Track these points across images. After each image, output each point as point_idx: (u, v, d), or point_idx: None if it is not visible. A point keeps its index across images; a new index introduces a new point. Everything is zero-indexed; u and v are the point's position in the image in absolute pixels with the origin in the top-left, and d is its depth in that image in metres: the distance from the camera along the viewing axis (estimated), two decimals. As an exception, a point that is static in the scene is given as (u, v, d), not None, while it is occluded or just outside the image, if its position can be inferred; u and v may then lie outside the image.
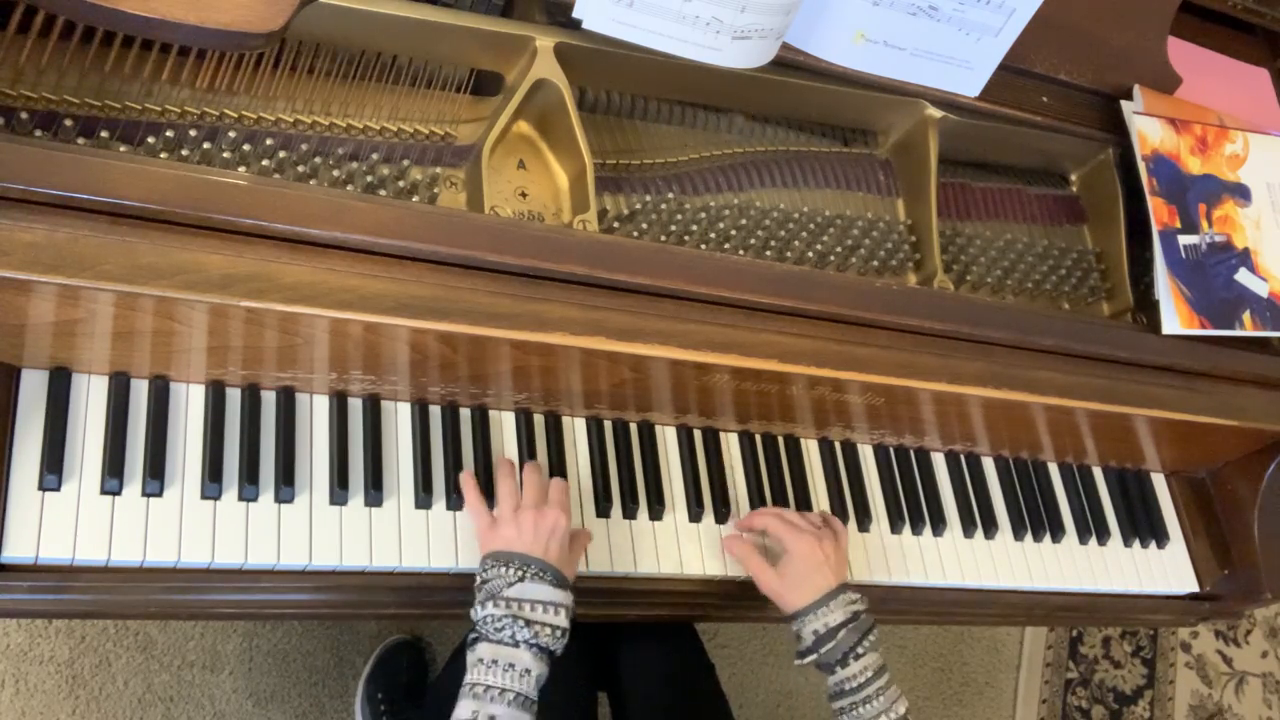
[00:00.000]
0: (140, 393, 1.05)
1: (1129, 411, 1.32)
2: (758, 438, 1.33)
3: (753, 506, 1.28)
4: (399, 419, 1.15)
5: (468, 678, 0.99)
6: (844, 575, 1.17)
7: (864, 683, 1.11)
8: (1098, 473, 1.53)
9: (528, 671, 0.98)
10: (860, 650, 1.12)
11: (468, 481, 1.13)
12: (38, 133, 0.96)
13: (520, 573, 1.02)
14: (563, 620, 1.02)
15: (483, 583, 1.03)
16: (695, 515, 1.25)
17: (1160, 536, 1.52)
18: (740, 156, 1.28)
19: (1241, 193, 1.37)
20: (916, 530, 1.37)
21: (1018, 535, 1.43)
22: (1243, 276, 1.34)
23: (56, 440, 1.00)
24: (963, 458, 1.44)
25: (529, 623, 1.00)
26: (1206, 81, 1.44)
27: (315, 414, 1.12)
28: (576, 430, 1.24)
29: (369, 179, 1.08)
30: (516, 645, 0.99)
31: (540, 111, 1.15)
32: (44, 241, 0.86)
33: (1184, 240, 1.31)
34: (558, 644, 1.02)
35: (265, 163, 1.04)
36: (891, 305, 1.17)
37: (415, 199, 1.10)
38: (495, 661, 0.98)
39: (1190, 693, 2.58)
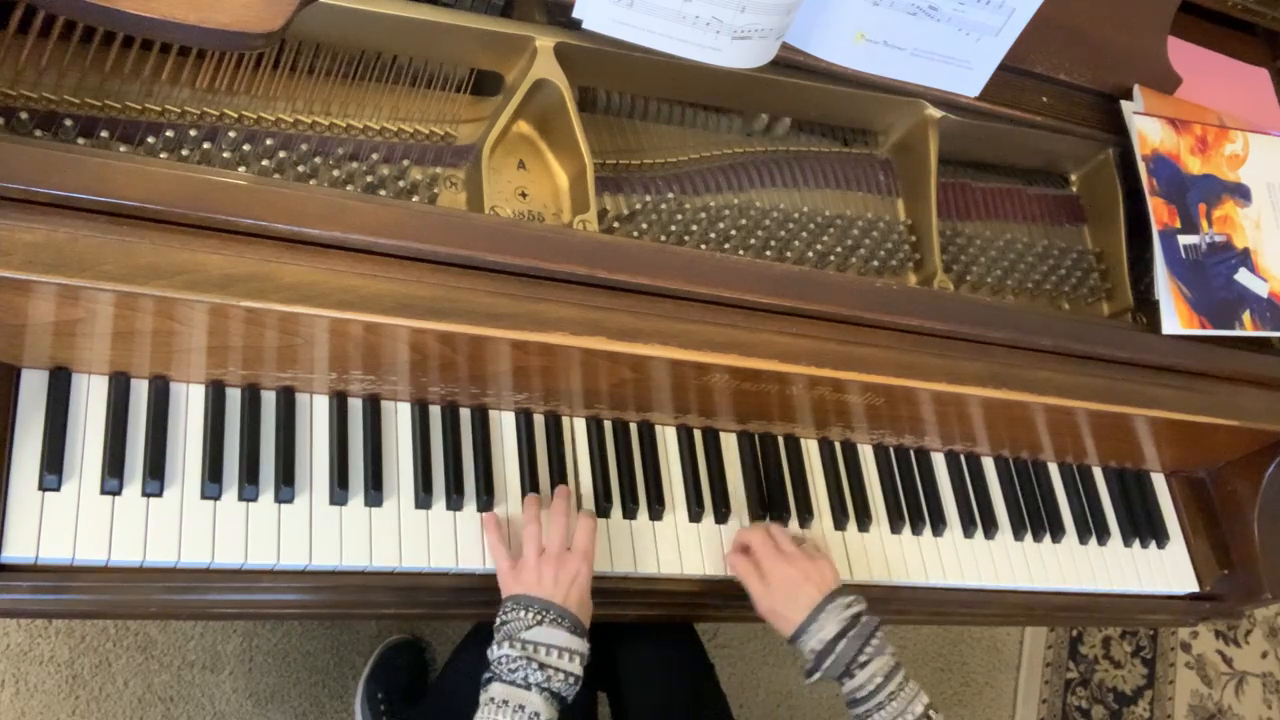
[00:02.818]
0: (140, 393, 1.05)
1: (1129, 411, 1.32)
2: (758, 438, 1.33)
3: (752, 506, 1.28)
4: (399, 419, 1.15)
5: (478, 716, 1.00)
6: (829, 585, 1.16)
7: (874, 689, 1.10)
8: (1098, 473, 1.53)
9: (537, 715, 0.99)
10: (864, 658, 1.11)
11: (489, 521, 1.14)
12: (38, 133, 0.96)
13: (539, 617, 1.03)
14: (576, 667, 1.03)
15: (502, 624, 1.05)
16: (695, 515, 1.25)
17: (1160, 536, 1.52)
18: (740, 156, 1.28)
19: (1241, 193, 1.37)
20: (916, 530, 1.37)
21: (1018, 535, 1.43)
22: (1243, 276, 1.34)
23: (56, 440, 1.00)
24: (963, 458, 1.44)
25: (543, 666, 1.01)
26: (1206, 81, 1.44)
27: (315, 414, 1.12)
28: (576, 430, 1.24)
29: (369, 179, 1.08)
30: (528, 688, 1.00)
31: (540, 111, 1.15)
32: (44, 241, 0.86)
33: (1184, 240, 1.31)
34: (570, 690, 1.03)
35: (265, 163, 1.04)
36: (891, 305, 1.17)
37: (415, 199, 1.10)
38: (506, 702, 0.99)
39: (1190, 693, 2.58)
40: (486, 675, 1.02)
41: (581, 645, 1.05)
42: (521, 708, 0.99)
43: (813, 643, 1.13)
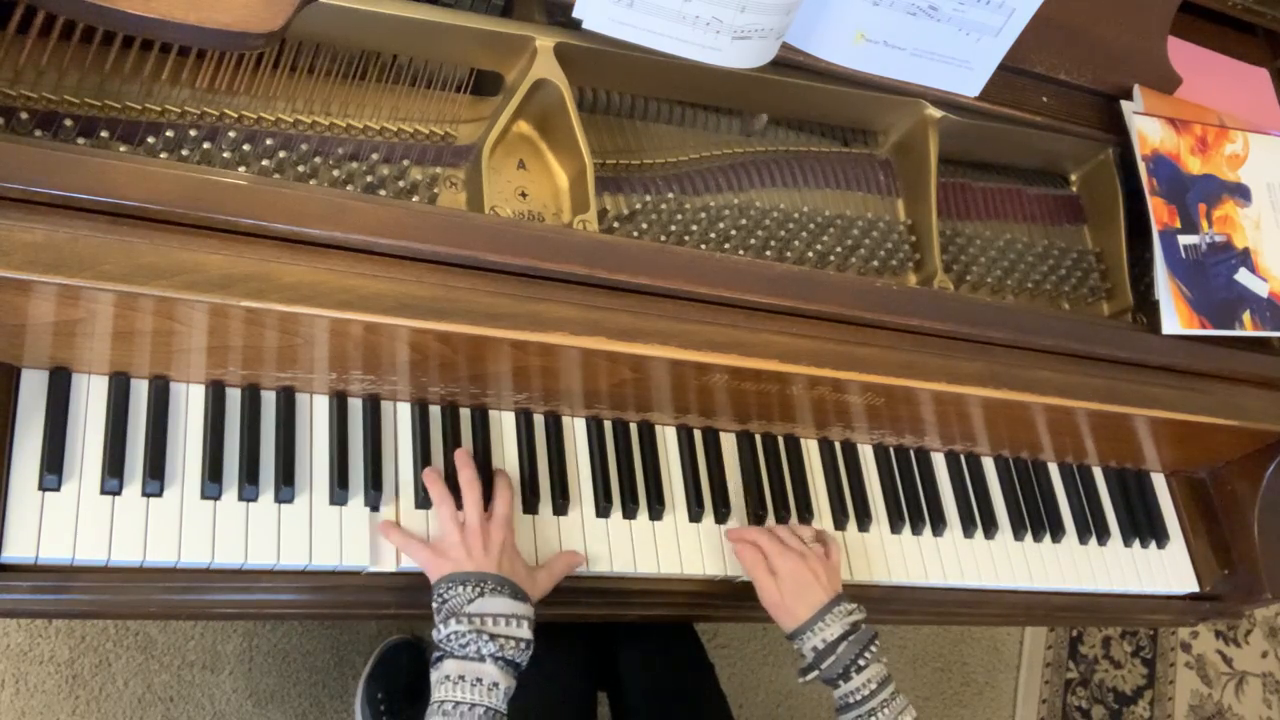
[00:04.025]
0: (140, 393, 1.05)
1: (1129, 411, 1.32)
2: (758, 438, 1.32)
3: (752, 506, 1.28)
4: (399, 419, 1.15)
5: (435, 696, 0.99)
6: (837, 588, 1.17)
7: (868, 695, 1.11)
8: (1098, 473, 1.53)
9: (495, 685, 0.99)
10: (862, 663, 1.12)
11: (387, 525, 1.10)
12: (38, 133, 0.96)
13: (478, 589, 1.02)
14: (525, 632, 1.02)
15: (442, 603, 1.03)
16: (695, 515, 1.25)
17: (1160, 536, 1.52)
18: (740, 156, 1.28)
19: (1241, 193, 1.37)
20: (916, 530, 1.37)
21: (1018, 535, 1.43)
22: (1243, 276, 1.34)
23: (56, 440, 1.00)
24: (963, 458, 1.44)
25: (493, 636, 1.00)
26: (1206, 81, 1.44)
27: (315, 414, 1.12)
28: (576, 430, 1.24)
29: (369, 179, 1.08)
30: (482, 660, 0.99)
31: (540, 111, 1.15)
32: (44, 241, 0.86)
33: (1184, 240, 1.31)
34: (522, 656, 1.02)
35: (265, 163, 1.04)
36: (891, 305, 1.17)
37: (415, 199, 1.10)
38: (463, 677, 0.98)
39: (1190, 693, 2.58)
40: (436, 655, 1.01)
41: (526, 609, 1.03)
42: (479, 680, 0.98)
43: (815, 641, 1.13)
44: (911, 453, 1.41)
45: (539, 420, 1.22)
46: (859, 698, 1.11)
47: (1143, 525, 1.52)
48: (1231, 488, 1.52)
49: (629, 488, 1.23)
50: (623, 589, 1.21)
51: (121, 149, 0.99)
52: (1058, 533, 1.45)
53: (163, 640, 1.72)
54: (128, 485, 1.02)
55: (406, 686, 1.79)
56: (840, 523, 1.33)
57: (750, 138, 1.30)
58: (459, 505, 1.09)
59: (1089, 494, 1.51)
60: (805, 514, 1.31)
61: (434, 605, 1.04)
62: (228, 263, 0.91)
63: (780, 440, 1.34)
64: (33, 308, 0.91)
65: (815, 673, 1.14)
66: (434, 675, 1.00)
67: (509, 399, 1.19)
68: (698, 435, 1.30)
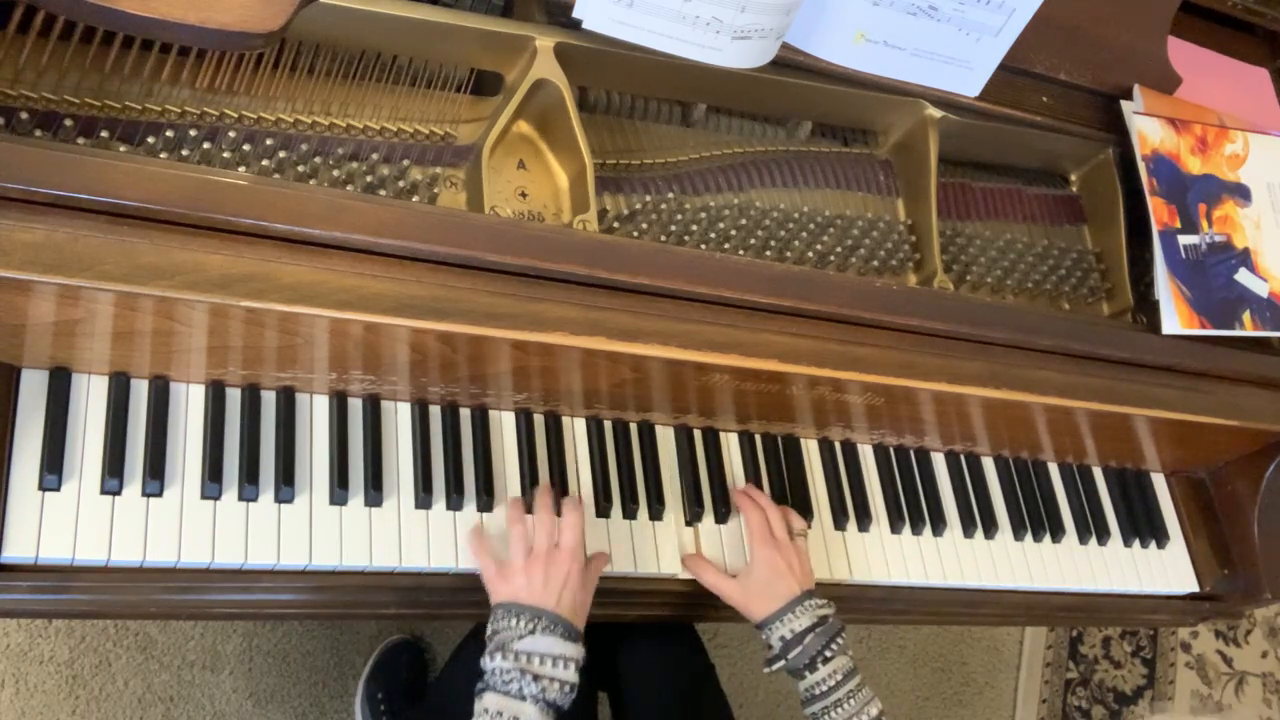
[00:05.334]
0: (140, 393, 1.05)
1: (1129, 411, 1.32)
2: (758, 438, 1.32)
3: (753, 506, 1.28)
4: (399, 419, 1.15)
5: None
6: (809, 583, 1.18)
7: (833, 686, 1.11)
8: (1098, 473, 1.53)
9: None
10: (828, 654, 1.12)
11: (473, 531, 1.12)
12: (38, 133, 0.96)
13: (531, 625, 1.02)
14: (571, 674, 1.02)
15: (494, 633, 1.04)
16: (695, 515, 1.25)
17: (1160, 536, 1.52)
18: (740, 156, 1.28)
19: (1241, 193, 1.37)
20: (916, 530, 1.37)
21: (1018, 535, 1.43)
22: (1243, 276, 1.34)
23: (56, 440, 1.00)
24: (963, 458, 1.44)
25: (537, 677, 1.00)
26: (1206, 81, 1.44)
27: (315, 414, 1.12)
28: (576, 430, 1.24)
29: (369, 179, 1.08)
30: (523, 699, 0.99)
31: (540, 111, 1.15)
32: (44, 241, 0.86)
33: (1184, 240, 1.31)
34: (565, 698, 1.02)
35: (265, 163, 1.04)
36: (891, 305, 1.17)
37: (415, 199, 1.10)
38: (501, 714, 0.99)
39: (1190, 693, 2.58)
40: (480, 685, 1.02)
41: (576, 650, 1.03)
42: (517, 719, 0.98)
43: (783, 631, 1.13)
44: (911, 453, 1.41)
45: (539, 420, 1.22)
46: (825, 689, 1.11)
47: (1143, 525, 1.52)
48: (1231, 488, 1.52)
49: (629, 488, 1.23)
50: (623, 589, 1.21)
51: (121, 149, 0.99)
52: (1058, 533, 1.45)
53: (163, 640, 1.72)
54: (128, 485, 1.02)
55: (406, 686, 1.79)
56: (840, 523, 1.33)
57: (753, 140, 1.30)
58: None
59: (1089, 494, 1.51)
60: (805, 514, 1.30)
61: (487, 631, 1.05)
62: (228, 263, 0.91)
63: (780, 440, 1.34)
64: (33, 308, 0.91)
65: (781, 663, 1.14)
66: (476, 705, 1.01)
67: (509, 399, 1.19)
68: (698, 435, 1.30)
